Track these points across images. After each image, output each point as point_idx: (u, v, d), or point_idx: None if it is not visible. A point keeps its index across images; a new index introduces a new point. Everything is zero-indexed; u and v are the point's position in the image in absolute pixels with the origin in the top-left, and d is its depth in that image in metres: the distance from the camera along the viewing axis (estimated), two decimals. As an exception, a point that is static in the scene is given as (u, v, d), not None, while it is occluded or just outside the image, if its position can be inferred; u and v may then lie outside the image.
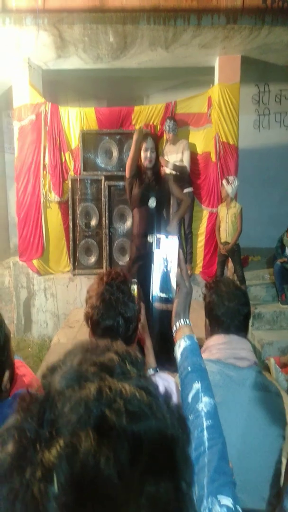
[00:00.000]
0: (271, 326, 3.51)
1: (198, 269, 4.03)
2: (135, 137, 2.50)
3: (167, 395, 0.34)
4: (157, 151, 2.57)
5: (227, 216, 3.60)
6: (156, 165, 2.59)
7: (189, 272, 3.97)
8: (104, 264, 4.02)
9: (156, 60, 3.96)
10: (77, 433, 0.27)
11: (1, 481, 0.27)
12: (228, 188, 3.50)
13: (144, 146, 2.48)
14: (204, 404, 0.67)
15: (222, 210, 3.67)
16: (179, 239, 0.86)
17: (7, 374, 0.94)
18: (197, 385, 0.70)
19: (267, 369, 2.86)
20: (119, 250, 4.07)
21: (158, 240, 0.84)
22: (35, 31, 3.48)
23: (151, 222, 2.53)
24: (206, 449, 0.60)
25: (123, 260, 4.06)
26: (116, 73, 4.27)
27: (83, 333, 3.46)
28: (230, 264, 3.78)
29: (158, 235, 0.84)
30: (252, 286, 3.79)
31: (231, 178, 3.56)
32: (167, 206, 2.96)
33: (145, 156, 2.49)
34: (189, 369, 0.74)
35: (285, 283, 3.64)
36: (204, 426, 0.63)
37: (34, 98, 4.01)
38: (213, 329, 1.17)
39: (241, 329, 1.15)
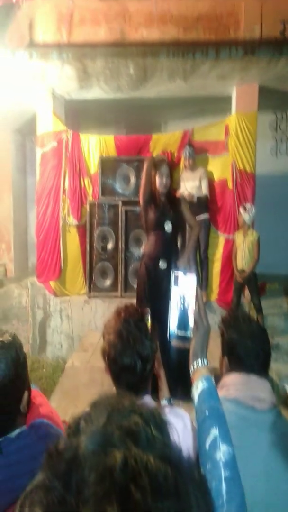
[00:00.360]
0: None
1: (214, 296, 3.98)
2: (146, 165, 2.57)
3: (191, 465, 0.34)
4: (172, 177, 2.61)
5: (244, 243, 3.57)
6: (170, 190, 2.63)
7: (204, 299, 3.94)
8: (119, 288, 4.05)
9: (174, 90, 4.07)
10: (103, 508, 0.27)
11: None
12: (245, 215, 3.49)
13: (159, 172, 2.51)
14: (222, 453, 0.65)
15: (239, 237, 3.65)
16: (197, 276, 0.87)
17: (26, 395, 0.95)
18: (215, 431, 0.68)
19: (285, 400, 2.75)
20: (134, 273, 4.09)
21: (176, 277, 0.84)
22: (60, 65, 3.67)
23: (165, 246, 2.55)
24: (225, 503, 0.58)
25: (138, 284, 4.07)
26: (135, 102, 4.41)
27: (97, 357, 3.44)
28: (247, 292, 3.71)
29: (176, 272, 0.84)
30: (270, 315, 3.69)
31: (248, 205, 3.55)
32: (182, 230, 2.92)
33: (160, 182, 2.52)
34: (207, 413, 0.72)
35: (305, 313, 3.53)
36: (223, 478, 0.61)
37: (56, 126, 4.19)
38: (232, 367, 1.13)
39: (262, 370, 1.11)
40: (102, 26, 3.80)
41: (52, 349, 4.29)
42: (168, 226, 2.52)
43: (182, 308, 0.83)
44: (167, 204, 2.57)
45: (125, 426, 0.33)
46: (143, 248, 2.80)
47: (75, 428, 0.35)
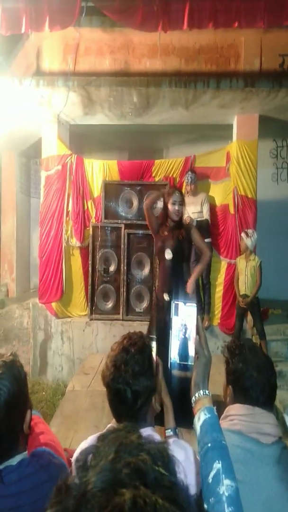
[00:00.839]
0: None
1: (216, 321, 3.98)
2: (158, 193, 2.62)
3: (194, 507, 0.34)
4: (184, 205, 2.62)
5: (246, 268, 3.60)
6: (181, 220, 2.64)
7: (206, 323, 3.94)
8: (121, 310, 4.05)
9: (176, 118, 4.19)
10: None
11: None
12: (248, 241, 3.53)
13: (171, 200, 2.54)
14: (225, 487, 0.64)
15: (241, 262, 3.68)
16: (197, 306, 0.86)
17: (29, 413, 0.95)
18: (217, 465, 0.67)
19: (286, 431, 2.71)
20: (136, 296, 4.11)
21: (176, 306, 0.84)
22: (66, 92, 3.78)
23: (168, 276, 2.56)
24: None
25: (140, 307, 4.08)
26: (137, 127, 4.53)
27: (98, 381, 3.41)
28: (249, 317, 3.71)
29: (176, 302, 0.84)
30: (273, 341, 3.67)
31: (250, 231, 3.60)
32: (188, 257, 2.91)
33: (173, 209, 2.53)
34: (209, 445, 0.72)
35: (308, 340, 3.51)
36: None
37: (61, 150, 4.29)
38: (236, 398, 1.10)
39: (268, 402, 1.08)
40: (107, 56, 3.95)
41: (53, 371, 4.26)
42: (168, 254, 2.54)
43: (183, 338, 0.83)
44: (173, 230, 2.58)
45: (133, 463, 0.33)
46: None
47: (83, 463, 0.35)
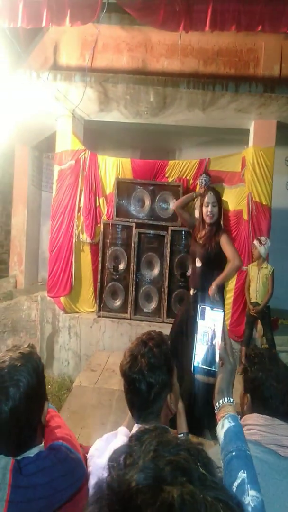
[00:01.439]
0: None
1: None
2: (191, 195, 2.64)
3: (240, 507, 0.33)
4: (220, 205, 2.50)
5: (258, 276, 3.59)
6: (218, 221, 2.53)
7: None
8: (129, 309, 4.10)
9: (192, 119, 4.17)
10: None
11: None
12: (261, 248, 3.53)
13: (205, 200, 2.46)
14: (251, 498, 0.63)
15: (253, 269, 3.68)
16: (224, 312, 0.86)
17: (46, 404, 0.96)
18: (243, 475, 0.67)
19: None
20: (144, 296, 4.15)
21: (203, 310, 0.83)
22: (82, 87, 3.78)
23: (197, 279, 2.54)
24: None
25: (148, 308, 4.12)
26: (152, 127, 4.51)
27: (104, 378, 3.48)
28: (259, 326, 3.70)
29: (203, 306, 0.84)
30: (283, 352, 3.60)
31: (263, 238, 3.60)
32: (220, 265, 2.63)
33: (205, 211, 2.45)
34: (234, 454, 0.71)
35: None
36: None
37: (75, 145, 4.29)
38: (255, 408, 1.08)
39: (284, 415, 1.05)
40: (124, 54, 3.92)
41: (59, 365, 4.32)
42: (198, 261, 2.50)
43: (209, 343, 0.83)
44: (205, 237, 2.49)
45: (175, 461, 0.33)
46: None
47: (118, 462, 0.34)
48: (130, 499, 0.30)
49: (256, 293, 3.58)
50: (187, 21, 3.37)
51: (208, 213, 2.46)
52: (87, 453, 1.06)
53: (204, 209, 2.48)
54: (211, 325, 0.83)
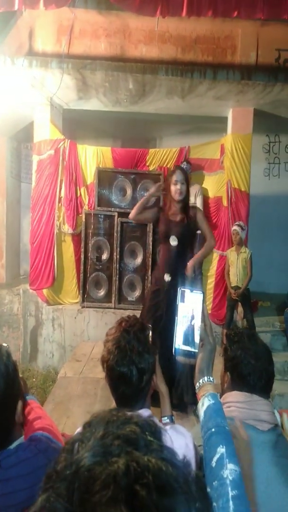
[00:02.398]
0: (282, 376, 3.43)
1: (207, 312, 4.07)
2: (152, 190, 2.56)
3: (187, 465, 0.34)
4: (188, 184, 2.52)
5: (237, 261, 3.67)
6: (186, 199, 2.53)
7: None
8: (113, 299, 4.10)
9: (172, 107, 4.17)
10: (109, 510, 0.27)
11: None
12: (243, 233, 3.61)
13: (173, 179, 2.47)
14: (229, 471, 0.65)
15: (232, 254, 3.75)
16: (203, 294, 0.87)
17: (20, 404, 0.93)
18: (221, 450, 0.69)
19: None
20: (128, 285, 4.15)
21: (183, 293, 0.85)
22: (59, 74, 3.69)
23: (171, 260, 2.51)
24: None
25: (132, 296, 4.13)
26: (132, 115, 4.48)
27: (89, 368, 3.48)
28: (240, 309, 3.81)
29: (182, 289, 0.85)
30: (262, 333, 3.73)
31: (242, 223, 3.68)
32: (192, 244, 2.77)
33: (175, 189, 2.46)
34: (213, 430, 0.73)
35: (297, 332, 3.61)
36: (230, 496, 0.61)
37: (53, 135, 4.21)
38: (234, 385, 1.12)
39: (265, 390, 1.10)
40: (102, 40, 3.86)
41: (43, 358, 4.28)
42: (173, 240, 2.46)
43: (188, 325, 0.84)
44: (178, 215, 2.49)
45: (122, 435, 0.33)
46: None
47: (71, 447, 0.35)
48: (79, 479, 0.30)
49: (236, 277, 3.66)
50: (164, 5, 3.35)
51: (177, 191, 2.47)
52: None
53: (173, 187, 2.49)
54: (191, 307, 0.84)
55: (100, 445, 0.33)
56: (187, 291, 0.85)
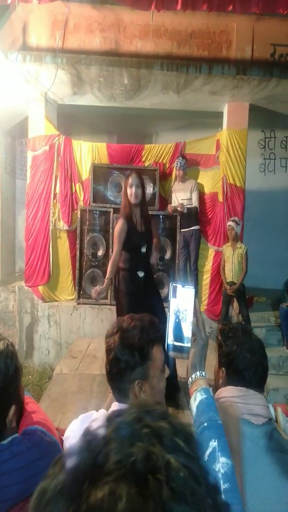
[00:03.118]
0: (276, 371, 3.46)
1: (203, 307, 4.07)
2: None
3: (212, 487, 0.33)
4: (143, 187, 2.54)
5: (233, 256, 3.68)
6: (142, 202, 2.56)
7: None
8: (109, 295, 4.08)
9: (167, 102, 4.15)
10: (121, 485, 0.28)
11: (48, 508, 0.29)
12: (238, 229, 3.61)
13: (128, 182, 2.49)
14: (221, 464, 0.65)
15: (227, 250, 3.75)
16: (195, 289, 0.87)
17: (13, 409, 0.90)
18: (214, 443, 0.69)
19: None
20: (124, 281, 4.13)
21: (175, 288, 0.83)
22: (54, 69, 3.66)
23: (141, 261, 2.60)
24: None
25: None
26: (127, 111, 4.46)
27: (85, 364, 3.47)
28: (235, 304, 3.82)
29: (174, 284, 0.84)
30: (257, 328, 3.76)
31: (237, 219, 3.68)
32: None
33: (130, 192, 2.48)
34: (205, 424, 0.73)
35: (292, 327, 3.63)
36: (222, 489, 0.61)
37: (48, 130, 4.17)
38: (230, 381, 1.11)
39: (260, 384, 1.10)
40: (97, 34, 3.83)
41: (39, 355, 4.26)
42: (143, 248, 2.56)
43: (180, 320, 0.83)
44: (142, 225, 2.55)
45: (153, 426, 0.33)
46: (119, 264, 2.63)
47: (111, 419, 0.36)
48: (106, 444, 0.31)
49: (232, 272, 3.67)
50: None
51: (132, 194, 2.49)
52: (63, 435, 1.04)
53: (129, 190, 2.51)
54: (182, 302, 0.83)
55: (130, 425, 0.33)
56: (179, 286, 0.84)
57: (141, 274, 2.55)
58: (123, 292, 2.63)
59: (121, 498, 0.27)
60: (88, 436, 0.34)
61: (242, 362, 1.09)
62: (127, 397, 0.96)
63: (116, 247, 2.53)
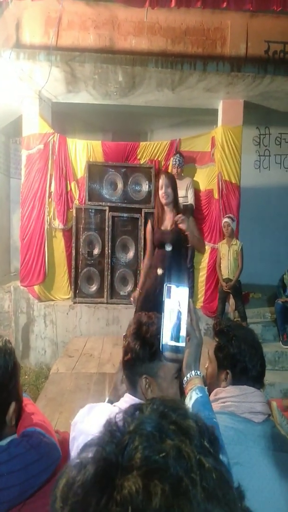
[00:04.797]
0: (272, 366, 3.49)
1: (199, 304, 4.07)
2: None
3: (239, 492, 0.33)
4: (174, 187, 2.57)
5: (229, 253, 3.68)
6: (175, 201, 2.59)
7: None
8: (105, 294, 4.06)
9: (162, 99, 4.14)
10: (154, 481, 0.27)
11: (77, 498, 0.29)
12: (234, 225, 3.62)
13: (159, 184, 2.57)
14: None
15: (223, 247, 3.76)
16: (190, 289, 0.88)
17: (13, 406, 0.91)
18: None
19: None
20: (120, 280, 4.12)
21: (169, 289, 0.84)
22: (48, 67, 3.63)
23: (166, 260, 2.59)
24: None
25: (124, 290, 4.10)
26: (122, 108, 4.44)
27: (82, 363, 3.45)
28: (232, 301, 3.83)
29: (168, 284, 0.84)
30: (254, 324, 3.78)
31: (232, 215, 3.68)
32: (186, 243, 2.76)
33: (160, 194, 2.55)
34: None
35: (287, 323, 3.66)
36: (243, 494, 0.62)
37: (42, 129, 4.14)
38: (236, 381, 1.09)
39: (261, 379, 1.10)
40: (91, 31, 3.81)
41: (36, 355, 4.23)
42: (168, 246, 2.56)
43: (175, 320, 0.84)
44: (171, 223, 2.55)
45: (180, 423, 0.33)
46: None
47: (132, 413, 0.35)
48: (133, 438, 0.31)
49: (228, 269, 3.68)
50: (153, -4, 3.32)
51: (162, 195, 2.55)
52: (63, 438, 1.05)
53: (160, 192, 2.57)
54: (177, 302, 0.83)
55: (156, 421, 0.33)
56: (173, 287, 0.85)
57: (160, 271, 2.57)
58: (140, 286, 2.72)
59: (156, 494, 0.27)
60: (111, 427, 0.33)
61: (250, 360, 1.08)
62: (135, 390, 0.97)
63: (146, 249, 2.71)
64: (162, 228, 2.60)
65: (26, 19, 3.77)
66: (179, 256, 2.63)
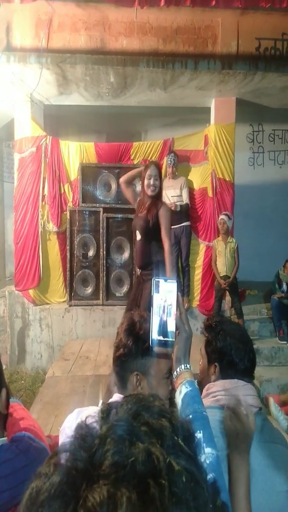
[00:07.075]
0: (269, 362, 3.49)
1: (195, 303, 4.04)
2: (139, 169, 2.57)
3: (214, 489, 0.32)
4: (161, 180, 2.52)
5: (225, 250, 3.66)
6: (158, 195, 2.51)
7: (186, 305, 3.99)
8: (101, 296, 4.01)
9: (154, 99, 4.13)
10: (120, 489, 0.27)
11: (42, 505, 0.28)
12: (230, 223, 3.60)
13: (147, 173, 2.45)
14: (206, 455, 0.66)
15: (219, 244, 3.73)
16: (177, 283, 0.86)
17: (4, 392, 0.91)
18: (199, 435, 0.69)
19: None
20: (116, 281, 4.08)
21: (157, 283, 0.83)
22: (38, 69, 3.62)
23: (139, 253, 2.54)
24: None
25: (120, 292, 4.06)
26: (115, 109, 4.43)
27: (78, 366, 3.40)
28: (228, 298, 3.80)
29: (157, 279, 0.84)
30: (250, 320, 3.79)
31: (228, 213, 3.66)
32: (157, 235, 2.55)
33: (147, 183, 2.44)
34: (191, 417, 0.73)
35: (283, 318, 3.65)
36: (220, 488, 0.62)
37: (35, 131, 4.12)
38: (224, 375, 1.10)
39: (251, 372, 1.11)
40: (82, 33, 3.80)
41: (32, 359, 4.17)
42: (137, 235, 2.50)
43: (164, 314, 0.83)
44: (145, 211, 2.47)
45: (152, 424, 0.32)
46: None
47: (106, 413, 0.34)
48: (103, 444, 0.30)
49: (225, 266, 3.65)
50: (142, -4, 3.31)
51: (150, 186, 2.45)
52: (55, 443, 1.05)
53: (146, 181, 2.47)
54: (165, 297, 0.83)
55: (128, 423, 0.32)
56: (161, 281, 0.84)
57: (138, 271, 2.57)
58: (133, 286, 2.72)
59: (121, 503, 0.26)
60: (82, 430, 0.32)
61: (237, 354, 1.08)
62: (125, 387, 0.96)
63: None
64: (139, 214, 2.53)
65: (16, 22, 3.77)
66: (149, 248, 2.46)
